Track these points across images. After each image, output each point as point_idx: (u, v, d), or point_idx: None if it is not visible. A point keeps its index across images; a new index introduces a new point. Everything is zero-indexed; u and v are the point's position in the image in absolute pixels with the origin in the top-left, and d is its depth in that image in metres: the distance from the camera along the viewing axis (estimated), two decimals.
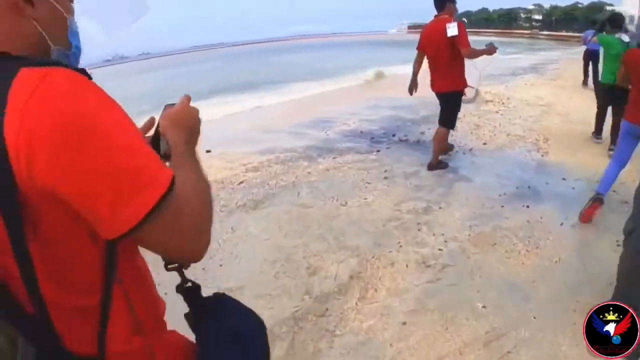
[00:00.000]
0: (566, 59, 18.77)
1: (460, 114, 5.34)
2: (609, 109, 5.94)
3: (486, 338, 2.53)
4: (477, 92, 5.23)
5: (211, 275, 3.20)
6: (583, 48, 10.73)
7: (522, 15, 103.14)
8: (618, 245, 3.42)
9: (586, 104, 7.68)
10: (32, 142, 0.61)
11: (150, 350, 0.88)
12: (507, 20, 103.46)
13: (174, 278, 1.03)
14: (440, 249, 3.45)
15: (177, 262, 0.97)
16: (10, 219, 0.64)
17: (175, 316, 1.06)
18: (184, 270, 1.03)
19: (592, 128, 6.30)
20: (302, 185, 4.94)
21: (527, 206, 4.17)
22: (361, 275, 3.16)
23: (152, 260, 0.96)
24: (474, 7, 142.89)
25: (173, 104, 1.00)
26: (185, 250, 0.79)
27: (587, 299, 2.77)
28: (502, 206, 4.19)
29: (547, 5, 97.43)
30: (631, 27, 13.16)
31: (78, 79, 0.68)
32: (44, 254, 0.69)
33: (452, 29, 4.61)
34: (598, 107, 6.22)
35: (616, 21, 5.90)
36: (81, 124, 0.64)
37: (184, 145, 0.93)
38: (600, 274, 3.03)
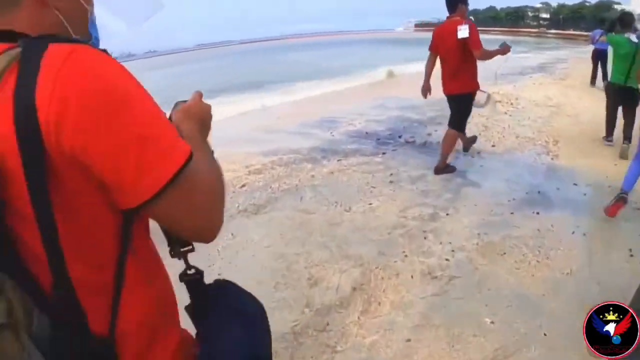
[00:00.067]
0: (574, 58, 18.59)
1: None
2: (619, 110, 5.86)
3: (494, 356, 2.41)
4: (488, 97, 5.12)
5: None
6: (591, 47, 10.64)
7: (530, 14, 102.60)
8: (632, 255, 3.32)
9: (596, 104, 7.51)
10: (62, 108, 0.64)
11: (162, 333, 0.88)
12: (514, 19, 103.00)
13: (176, 270, 1.00)
14: (447, 259, 3.33)
15: (189, 239, 0.95)
16: (36, 184, 0.65)
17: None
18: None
19: (603, 129, 6.18)
20: (305, 189, 4.83)
21: (537, 213, 4.04)
22: (364, 287, 3.04)
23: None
24: (481, 6, 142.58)
25: (184, 101, 1.01)
26: (199, 227, 0.81)
27: None
28: (512, 213, 4.06)
29: (554, 4, 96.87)
30: None
31: (103, 54, 0.71)
32: (66, 223, 0.69)
33: (463, 31, 4.52)
34: (607, 109, 6.09)
35: (626, 21, 5.81)
36: (110, 93, 0.67)
37: (197, 134, 0.94)
38: (613, 286, 2.90)
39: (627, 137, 5.56)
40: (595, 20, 52.65)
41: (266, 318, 1.08)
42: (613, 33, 6.08)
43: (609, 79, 6.27)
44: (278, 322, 2.70)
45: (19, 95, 0.64)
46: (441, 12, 4.86)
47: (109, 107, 0.66)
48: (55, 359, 0.69)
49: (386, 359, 2.44)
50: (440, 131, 6.61)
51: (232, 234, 3.87)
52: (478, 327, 2.63)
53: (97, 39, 0.91)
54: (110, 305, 0.77)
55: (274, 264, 3.36)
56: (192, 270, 1.03)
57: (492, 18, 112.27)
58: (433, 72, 5.18)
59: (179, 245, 0.99)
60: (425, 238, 3.66)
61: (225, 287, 1.07)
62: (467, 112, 5.08)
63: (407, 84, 11.70)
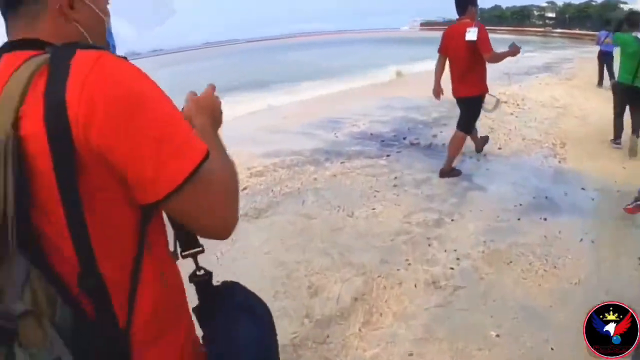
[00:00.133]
0: (580, 58, 18.43)
1: None
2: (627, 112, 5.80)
3: None
4: (497, 102, 5.05)
5: None
6: (597, 47, 10.55)
7: (535, 13, 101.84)
8: None
9: (603, 105, 7.42)
10: (90, 108, 0.68)
11: (171, 326, 0.90)
12: (520, 18, 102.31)
13: (185, 272, 1.02)
14: (451, 268, 3.24)
15: (205, 236, 0.94)
16: (66, 183, 0.69)
17: None
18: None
19: (610, 131, 6.09)
20: (307, 193, 4.74)
21: (545, 219, 3.95)
22: (365, 297, 2.95)
23: None
24: (486, 5, 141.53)
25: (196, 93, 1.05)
26: (215, 223, 0.84)
27: None
28: (519, 219, 3.97)
29: (560, 3, 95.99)
30: None
31: (123, 61, 0.76)
32: (92, 219, 0.72)
33: (471, 34, 4.45)
34: (615, 109, 6.02)
35: (634, 20, 5.77)
36: (126, 98, 0.71)
37: (210, 129, 0.98)
38: (622, 296, 2.78)
39: (636, 129, 5.53)
40: (601, 20, 52.29)
41: (272, 320, 1.10)
42: (620, 32, 5.99)
43: (615, 78, 6.20)
44: (277, 333, 2.62)
45: (49, 95, 0.68)
46: (447, 12, 4.79)
47: (127, 112, 0.70)
48: (76, 349, 0.71)
49: None
50: (445, 133, 6.53)
51: (232, 239, 3.77)
52: (483, 340, 2.55)
53: (114, 47, 0.98)
54: (127, 298, 0.80)
55: (274, 272, 3.28)
56: (202, 272, 1.07)
57: (498, 17, 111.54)
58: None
59: (188, 247, 1.02)
60: (429, 245, 3.58)
61: (232, 288, 1.10)
62: (476, 115, 5.01)
63: (413, 84, 11.61)
